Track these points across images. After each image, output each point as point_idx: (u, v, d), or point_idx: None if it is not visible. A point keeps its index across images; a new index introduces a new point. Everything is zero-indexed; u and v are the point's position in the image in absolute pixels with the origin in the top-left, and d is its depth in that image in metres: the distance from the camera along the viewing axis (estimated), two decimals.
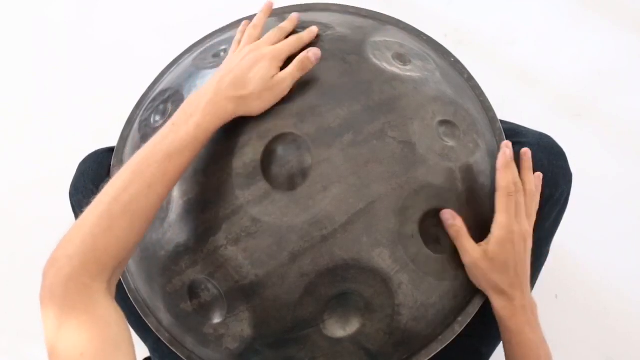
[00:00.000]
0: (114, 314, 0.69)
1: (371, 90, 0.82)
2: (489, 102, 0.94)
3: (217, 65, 0.88)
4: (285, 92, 0.80)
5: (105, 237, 0.70)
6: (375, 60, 0.85)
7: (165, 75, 1.02)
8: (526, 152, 0.85)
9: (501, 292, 0.82)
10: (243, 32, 0.87)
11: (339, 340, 0.80)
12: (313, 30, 0.86)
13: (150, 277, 0.86)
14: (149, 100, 0.97)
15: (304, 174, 0.78)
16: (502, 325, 0.84)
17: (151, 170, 0.73)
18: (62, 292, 0.67)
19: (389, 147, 0.79)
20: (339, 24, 0.91)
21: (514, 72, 1.51)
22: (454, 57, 0.97)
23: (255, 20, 0.88)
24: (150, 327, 0.90)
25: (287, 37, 0.85)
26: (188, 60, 0.98)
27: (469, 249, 0.80)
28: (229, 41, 0.93)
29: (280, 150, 0.79)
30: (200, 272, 0.80)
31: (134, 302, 0.91)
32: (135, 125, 0.95)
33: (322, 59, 0.84)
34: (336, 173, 0.78)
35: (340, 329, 0.80)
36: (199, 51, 0.97)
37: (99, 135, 1.47)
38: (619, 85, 1.48)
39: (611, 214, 1.38)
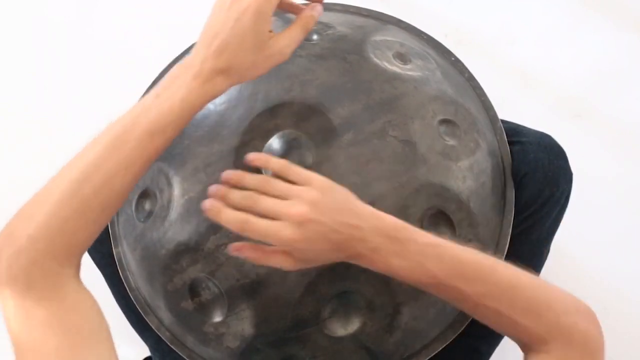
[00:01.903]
0: (86, 301, 0.63)
1: (372, 89, 0.82)
2: (489, 102, 0.94)
3: None
4: (288, 57, 0.70)
5: (75, 221, 0.63)
6: (375, 60, 0.85)
7: (166, 75, 1.02)
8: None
9: (350, 257, 0.67)
10: None
11: (339, 339, 0.80)
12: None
13: (151, 276, 0.86)
14: None
15: None
16: (408, 282, 0.69)
17: (129, 148, 0.64)
18: (25, 278, 0.60)
19: (390, 146, 0.79)
20: (340, 23, 0.91)
21: (514, 72, 1.51)
22: (454, 56, 0.97)
23: None
24: (151, 326, 0.90)
25: None
26: None
27: (280, 261, 0.67)
28: None
29: (281, 149, 0.79)
30: (201, 270, 0.80)
31: (134, 301, 0.91)
32: None
33: (323, 59, 0.84)
34: (337, 172, 0.78)
35: (340, 327, 0.80)
36: None
37: (97, 134, 1.47)
38: (620, 85, 1.47)
39: (611, 214, 1.38)
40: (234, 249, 0.68)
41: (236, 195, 0.67)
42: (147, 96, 0.67)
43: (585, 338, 0.68)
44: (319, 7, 0.73)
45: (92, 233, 0.65)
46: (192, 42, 1.03)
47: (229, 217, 0.66)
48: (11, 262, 0.61)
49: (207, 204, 0.66)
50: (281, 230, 0.65)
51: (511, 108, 1.20)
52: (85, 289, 0.64)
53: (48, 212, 0.62)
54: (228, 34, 0.67)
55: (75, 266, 0.65)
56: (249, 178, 0.69)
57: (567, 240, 1.20)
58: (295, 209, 0.65)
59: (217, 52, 0.67)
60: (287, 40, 0.70)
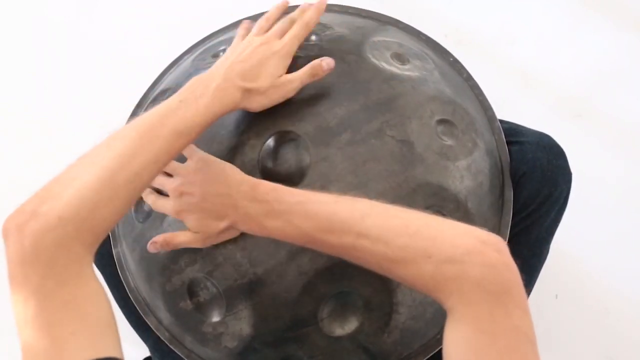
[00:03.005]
0: (101, 291, 0.63)
1: (369, 89, 0.82)
2: (487, 102, 0.94)
3: None
4: (291, 94, 0.79)
5: (106, 207, 0.64)
6: (374, 60, 0.85)
7: (165, 76, 1.02)
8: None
9: (232, 224, 0.74)
10: (246, 29, 0.85)
11: (337, 339, 0.80)
12: (320, 6, 0.84)
13: (150, 276, 0.86)
14: (149, 101, 0.97)
15: (302, 172, 0.78)
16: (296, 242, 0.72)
17: (159, 145, 0.69)
18: (49, 258, 0.59)
19: (387, 145, 0.79)
20: (338, 24, 0.91)
21: (514, 72, 1.51)
22: (452, 56, 0.97)
23: (268, 13, 0.85)
24: (150, 326, 0.90)
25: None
26: (188, 60, 0.98)
27: (182, 238, 0.78)
28: (228, 42, 0.93)
29: (278, 149, 0.79)
30: (199, 270, 0.81)
31: (134, 301, 0.91)
32: None
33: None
34: (334, 172, 0.78)
35: (338, 327, 0.80)
36: (198, 52, 0.98)
37: (98, 135, 1.47)
38: (620, 85, 1.47)
39: (611, 214, 1.38)
40: (148, 249, 0.79)
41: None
42: (170, 100, 0.73)
43: (482, 285, 0.59)
44: (329, 60, 0.80)
45: (115, 222, 0.66)
46: (192, 43, 1.05)
47: (147, 200, 0.80)
48: (37, 239, 0.59)
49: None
50: (165, 204, 0.78)
51: (511, 108, 1.20)
52: (97, 278, 0.64)
53: (79, 196, 0.62)
54: (252, 66, 0.76)
55: (93, 254, 0.64)
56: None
57: (567, 240, 1.20)
58: (170, 184, 0.77)
59: (239, 74, 0.75)
60: (298, 83, 0.79)
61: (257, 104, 0.77)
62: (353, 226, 0.66)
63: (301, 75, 0.79)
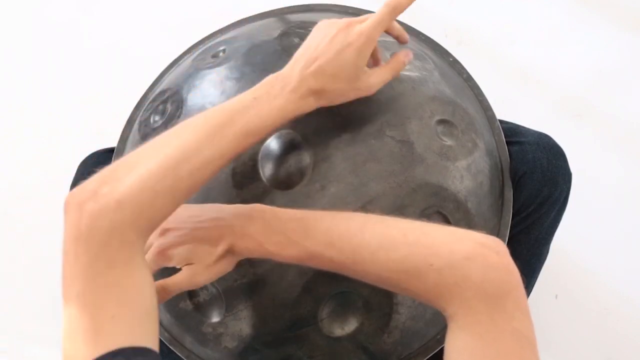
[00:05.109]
0: (149, 280, 0.62)
1: None
2: (487, 102, 0.94)
3: (217, 65, 0.88)
4: (372, 93, 0.75)
5: (164, 197, 0.62)
6: None
7: (165, 76, 1.02)
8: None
9: (228, 249, 0.70)
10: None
11: (337, 339, 0.80)
12: None
13: None
14: (148, 101, 0.97)
15: (301, 173, 0.78)
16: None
17: (227, 141, 0.66)
18: (104, 240, 0.59)
19: (387, 146, 0.79)
20: None
21: (514, 72, 1.51)
22: (452, 57, 0.97)
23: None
24: None
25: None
26: (187, 61, 0.98)
27: (182, 278, 0.71)
28: (228, 42, 0.93)
29: (278, 149, 0.79)
30: None
31: None
32: (135, 126, 0.96)
33: None
34: (334, 172, 0.78)
35: (338, 327, 0.80)
36: (198, 52, 0.98)
37: (98, 135, 1.47)
38: (620, 85, 1.47)
39: (611, 214, 1.38)
40: None
41: None
42: (243, 95, 0.70)
43: (482, 289, 0.59)
44: (410, 55, 0.77)
45: (169, 213, 0.65)
46: (192, 43, 1.05)
47: None
48: (94, 220, 0.59)
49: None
50: (152, 251, 0.70)
51: (511, 108, 1.20)
52: (148, 266, 0.63)
53: (140, 182, 0.61)
54: (328, 61, 0.71)
55: (146, 243, 0.64)
56: None
57: (567, 240, 1.21)
58: None
59: (314, 75, 0.71)
60: (377, 78, 0.75)
61: (335, 102, 0.74)
62: (352, 239, 0.65)
63: (382, 73, 0.76)
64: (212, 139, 0.66)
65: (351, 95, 0.74)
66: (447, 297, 0.61)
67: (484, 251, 0.61)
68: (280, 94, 0.70)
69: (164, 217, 0.64)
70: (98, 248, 0.59)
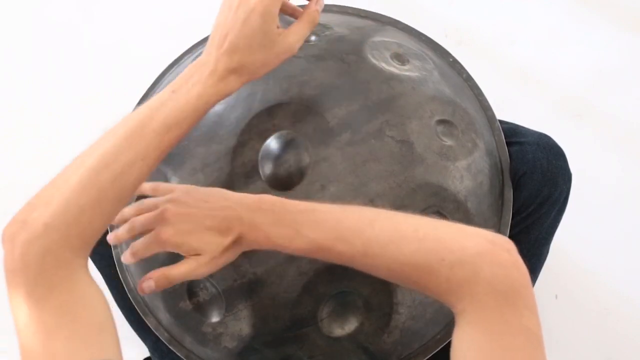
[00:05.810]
0: (95, 294, 0.62)
1: (369, 89, 0.82)
2: (487, 102, 0.94)
3: None
4: (295, 52, 0.73)
5: (91, 210, 0.62)
6: (373, 60, 0.85)
7: (166, 76, 1.02)
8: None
9: (236, 240, 0.68)
10: None
11: (337, 339, 0.80)
12: None
13: None
14: None
15: (301, 173, 0.78)
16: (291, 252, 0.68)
17: (146, 141, 0.65)
18: (38, 266, 0.59)
19: (387, 146, 0.79)
20: (338, 24, 0.91)
21: (514, 72, 1.51)
22: (452, 57, 0.97)
23: None
24: (150, 326, 0.90)
25: None
26: (188, 61, 0.98)
27: (185, 267, 0.69)
28: None
29: (278, 149, 0.79)
30: None
31: (133, 301, 0.91)
32: None
33: (321, 59, 0.84)
34: (334, 172, 0.78)
35: (338, 327, 0.80)
36: (198, 52, 0.98)
37: (98, 136, 1.47)
38: (620, 85, 1.47)
39: (611, 214, 1.38)
40: (141, 290, 0.70)
41: (123, 230, 0.72)
42: (163, 91, 0.68)
43: (493, 286, 0.59)
44: (321, 1, 0.75)
45: (104, 224, 0.65)
46: (192, 43, 1.05)
47: (126, 257, 0.71)
48: (25, 249, 0.59)
49: (122, 258, 0.72)
50: (157, 236, 0.68)
51: (511, 108, 1.20)
52: (93, 280, 0.63)
53: (65, 200, 0.61)
54: (237, 34, 0.68)
55: (86, 257, 0.64)
56: (126, 210, 0.73)
57: (567, 240, 1.20)
58: (159, 212, 0.69)
59: (228, 52, 0.68)
60: (295, 35, 0.72)
61: (261, 74, 0.71)
62: (363, 232, 0.64)
63: (299, 28, 0.73)
64: (130, 142, 0.65)
65: (275, 62, 0.71)
66: (457, 293, 0.60)
67: (494, 248, 0.61)
68: (199, 81, 0.68)
69: (99, 229, 0.64)
70: (35, 275, 0.59)
